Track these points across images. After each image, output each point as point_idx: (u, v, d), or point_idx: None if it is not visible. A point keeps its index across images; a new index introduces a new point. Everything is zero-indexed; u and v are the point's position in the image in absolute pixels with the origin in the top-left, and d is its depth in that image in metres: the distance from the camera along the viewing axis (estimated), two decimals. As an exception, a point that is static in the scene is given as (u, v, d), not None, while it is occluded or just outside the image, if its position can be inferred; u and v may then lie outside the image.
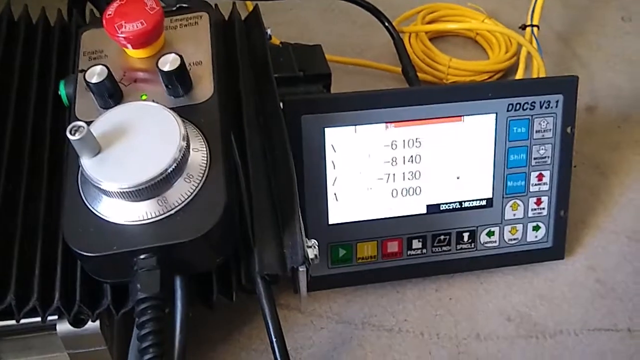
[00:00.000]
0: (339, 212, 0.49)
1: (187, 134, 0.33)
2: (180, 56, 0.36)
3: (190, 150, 0.33)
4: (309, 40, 0.63)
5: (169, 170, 0.32)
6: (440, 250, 0.51)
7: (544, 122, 0.51)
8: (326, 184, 0.49)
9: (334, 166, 0.49)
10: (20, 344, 0.39)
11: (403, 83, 0.66)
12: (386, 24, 0.63)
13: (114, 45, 0.39)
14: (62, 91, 0.40)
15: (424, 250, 0.51)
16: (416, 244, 0.51)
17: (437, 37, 0.72)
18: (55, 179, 0.38)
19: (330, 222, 0.49)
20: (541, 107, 0.51)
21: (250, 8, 0.50)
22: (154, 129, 0.33)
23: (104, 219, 0.33)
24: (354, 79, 0.69)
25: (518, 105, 0.50)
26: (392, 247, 0.51)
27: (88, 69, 0.36)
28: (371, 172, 0.49)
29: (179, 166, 0.32)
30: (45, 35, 0.45)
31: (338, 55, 0.68)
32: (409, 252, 0.51)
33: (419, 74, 0.64)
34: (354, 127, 0.48)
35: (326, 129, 0.48)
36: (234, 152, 0.39)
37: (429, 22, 0.70)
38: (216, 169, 0.34)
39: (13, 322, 0.35)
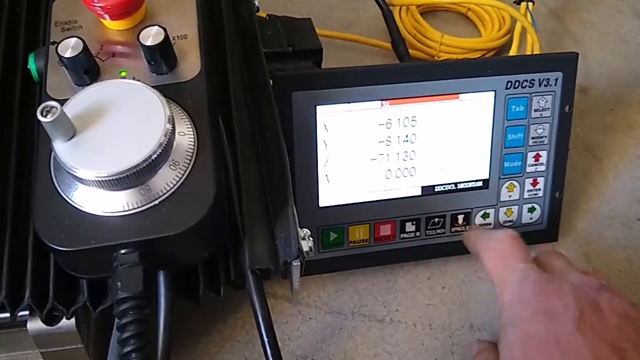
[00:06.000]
0: (330, 194, 0.47)
1: (172, 115, 0.30)
2: (164, 29, 0.32)
3: (176, 134, 0.30)
4: (295, 12, 0.60)
5: (153, 157, 0.29)
6: (434, 233, 0.49)
7: (542, 100, 0.49)
8: (317, 165, 0.46)
9: (326, 146, 0.46)
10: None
11: (392, 59, 0.63)
12: (380, 2, 0.60)
13: (90, 15, 0.35)
14: (32, 65, 0.36)
15: (418, 233, 0.49)
16: (409, 226, 0.49)
17: (427, 12, 0.69)
18: (25, 162, 0.35)
19: (321, 204, 0.47)
20: (540, 85, 0.49)
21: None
22: (135, 110, 0.30)
23: (80, 210, 0.30)
24: (341, 54, 0.66)
25: (517, 83, 0.48)
26: (385, 230, 0.48)
27: (61, 41, 0.33)
28: (364, 152, 0.47)
29: (164, 152, 0.29)
30: (12, 2, 0.41)
31: (325, 29, 0.65)
32: (402, 235, 0.49)
33: (409, 50, 0.61)
34: (347, 104, 0.46)
35: (318, 107, 0.45)
36: (222, 134, 0.36)
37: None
38: (204, 155, 0.31)
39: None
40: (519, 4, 0.66)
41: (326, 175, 0.46)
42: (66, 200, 0.30)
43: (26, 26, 0.40)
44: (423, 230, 0.49)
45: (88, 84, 0.33)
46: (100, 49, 0.35)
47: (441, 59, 0.64)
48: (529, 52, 0.63)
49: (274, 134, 0.38)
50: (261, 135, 0.38)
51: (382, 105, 0.46)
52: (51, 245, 0.29)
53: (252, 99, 0.40)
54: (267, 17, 0.50)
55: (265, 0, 0.64)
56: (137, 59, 0.34)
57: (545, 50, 0.66)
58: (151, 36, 0.32)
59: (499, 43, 0.65)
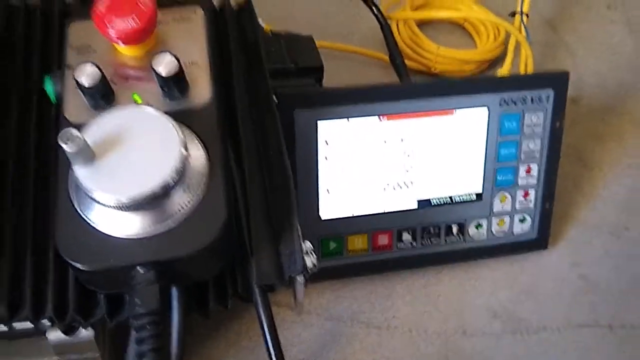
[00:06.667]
0: (330, 207, 0.49)
1: (186, 141, 0.32)
2: (177, 58, 0.34)
3: (190, 159, 0.32)
4: (292, 21, 0.61)
5: (169, 182, 0.31)
6: (429, 243, 0.52)
7: (534, 116, 0.51)
8: (318, 178, 0.48)
9: (327, 159, 0.48)
10: (4, 348, 0.38)
11: (390, 69, 0.65)
12: (374, 10, 0.61)
13: (104, 39, 0.37)
14: (48, 87, 0.38)
15: (414, 243, 0.51)
16: (406, 236, 0.51)
17: (424, 23, 0.71)
18: (44, 180, 0.37)
19: (322, 216, 0.49)
20: (532, 102, 0.51)
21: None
22: (151, 136, 0.32)
23: (99, 231, 0.31)
24: (339, 64, 0.67)
25: (510, 100, 0.50)
26: (383, 240, 0.51)
27: (77, 66, 0.35)
28: (363, 166, 0.49)
29: (179, 177, 0.31)
30: (26, 20, 0.43)
31: (322, 39, 0.66)
32: (399, 245, 0.51)
33: (406, 61, 0.63)
34: (347, 119, 0.48)
35: (319, 122, 0.47)
36: (230, 154, 0.37)
37: (417, 8, 0.69)
38: (216, 178, 0.33)
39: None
40: (513, 16, 0.67)
41: (327, 189, 0.48)
42: (86, 221, 0.32)
43: (40, 44, 0.41)
44: (419, 240, 0.51)
45: (104, 108, 0.35)
46: (114, 73, 0.37)
47: (437, 70, 0.66)
48: (522, 64, 0.64)
49: (278, 150, 0.39)
50: (265, 150, 0.40)
51: (380, 120, 0.48)
52: (72, 263, 0.31)
53: (256, 114, 0.41)
54: (270, 34, 0.52)
55: (264, 9, 0.66)
56: (150, 84, 0.36)
57: (539, 60, 0.68)
58: (164, 64, 0.34)
59: (494, 54, 0.67)
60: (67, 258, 0.31)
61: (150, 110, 0.33)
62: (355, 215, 0.49)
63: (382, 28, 0.61)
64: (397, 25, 0.68)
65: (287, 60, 0.50)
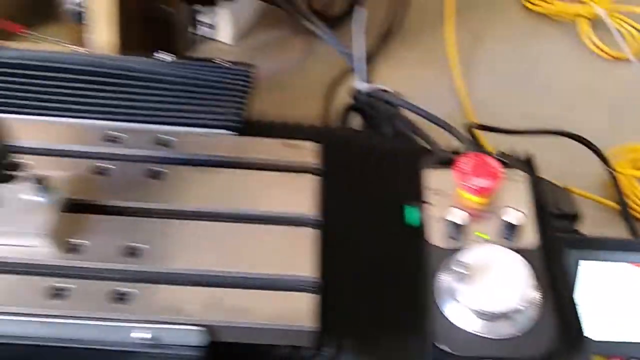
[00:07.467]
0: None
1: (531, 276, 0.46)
2: (523, 213, 0.48)
3: (533, 290, 0.46)
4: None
5: (523, 307, 0.44)
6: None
7: None
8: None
9: (584, 292, 0.60)
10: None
11: (607, 211, 0.77)
12: (607, 165, 0.74)
13: (452, 186, 0.52)
14: (410, 215, 0.53)
15: (641, 368, 0.62)
16: (635, 361, 0.61)
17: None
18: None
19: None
20: None
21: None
22: (509, 268, 0.46)
23: (461, 329, 0.45)
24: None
25: None
26: (615, 362, 0.61)
27: (447, 207, 0.50)
28: (611, 300, 0.60)
29: (529, 302, 0.45)
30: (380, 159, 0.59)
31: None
32: (626, 369, 0.61)
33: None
34: (603, 262, 0.60)
35: (581, 261, 0.59)
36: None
37: (634, 162, 0.81)
38: (548, 305, 0.46)
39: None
40: None
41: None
42: (449, 318, 0.46)
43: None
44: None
45: (456, 239, 0.49)
46: (464, 213, 0.51)
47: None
48: None
49: (566, 285, 0.52)
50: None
51: (630, 266, 0.60)
52: (441, 348, 0.45)
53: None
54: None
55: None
56: (488, 224, 0.50)
57: None
58: (514, 217, 0.48)
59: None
60: (439, 344, 0.45)
61: (504, 248, 0.47)
62: (597, 339, 0.61)
63: (614, 184, 0.74)
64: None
65: (551, 206, 0.63)
